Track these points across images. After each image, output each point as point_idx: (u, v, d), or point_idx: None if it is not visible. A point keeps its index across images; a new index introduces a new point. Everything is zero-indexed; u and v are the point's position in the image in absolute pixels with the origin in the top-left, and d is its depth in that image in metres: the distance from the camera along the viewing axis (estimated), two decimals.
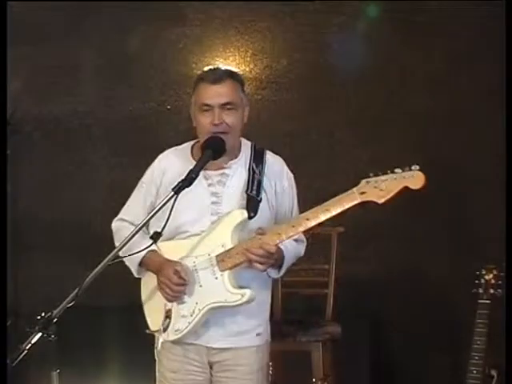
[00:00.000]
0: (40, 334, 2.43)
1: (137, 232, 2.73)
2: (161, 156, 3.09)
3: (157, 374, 3.08)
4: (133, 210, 3.06)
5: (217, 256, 2.88)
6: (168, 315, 2.91)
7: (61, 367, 2.54)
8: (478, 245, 4.59)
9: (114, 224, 3.12)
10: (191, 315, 2.89)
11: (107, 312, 4.68)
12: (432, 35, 4.85)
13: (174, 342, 2.94)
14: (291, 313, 4.32)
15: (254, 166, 2.98)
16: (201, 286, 2.89)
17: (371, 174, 2.77)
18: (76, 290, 2.50)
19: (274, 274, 2.99)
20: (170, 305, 2.91)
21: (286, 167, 3.09)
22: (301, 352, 4.02)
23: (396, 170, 2.75)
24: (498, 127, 3.95)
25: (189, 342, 2.94)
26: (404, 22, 4.87)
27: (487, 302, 3.59)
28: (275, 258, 2.90)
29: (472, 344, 3.55)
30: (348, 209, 2.78)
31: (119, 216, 3.11)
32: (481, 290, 3.62)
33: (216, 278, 2.88)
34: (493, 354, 3.50)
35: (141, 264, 2.99)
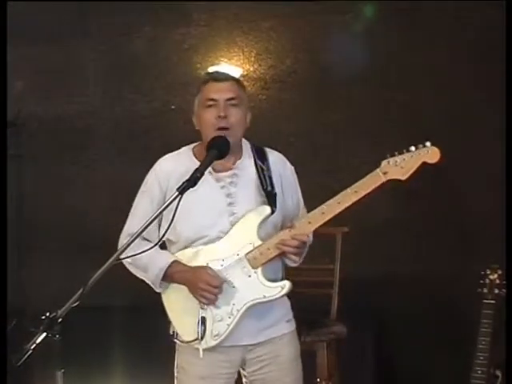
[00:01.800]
0: (45, 334, 2.43)
1: (141, 232, 2.68)
2: (160, 161, 3.06)
3: (176, 383, 3.04)
4: (140, 221, 2.89)
5: (246, 254, 2.89)
6: (203, 322, 2.87)
7: (66, 367, 2.54)
8: (483, 245, 4.58)
9: (124, 240, 2.97)
10: (229, 317, 2.88)
11: (112, 312, 4.68)
12: (433, 35, 4.84)
13: (211, 348, 2.90)
14: (296, 312, 4.31)
15: (261, 164, 3.01)
16: (234, 286, 2.89)
17: (388, 155, 2.89)
18: (81, 290, 2.49)
19: (292, 262, 3.01)
20: (203, 312, 2.88)
21: (286, 160, 3.13)
22: (305, 352, 4.00)
23: (411, 149, 2.88)
24: (499, 127, 3.95)
25: (223, 346, 2.91)
26: (405, 22, 4.87)
27: (492, 301, 3.60)
28: (307, 247, 2.97)
29: (477, 344, 3.55)
30: (375, 189, 2.86)
31: (127, 231, 3.01)
32: (485, 290, 3.62)
33: (249, 276, 2.89)
34: (498, 354, 3.50)
35: (164, 278, 2.95)
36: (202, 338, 2.88)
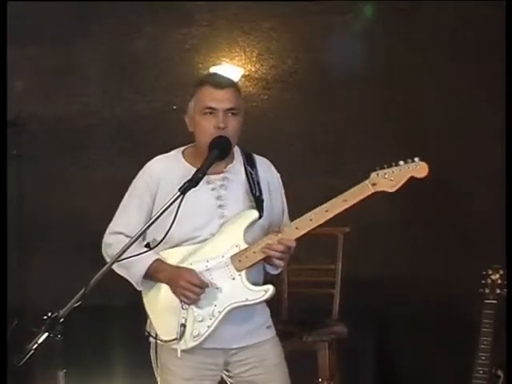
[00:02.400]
0: (46, 334, 2.43)
1: (141, 235, 2.70)
2: (150, 163, 3.04)
3: (160, 381, 3.02)
4: (127, 221, 2.96)
5: (232, 257, 2.89)
6: (183, 323, 2.86)
7: (67, 367, 2.54)
8: (484, 245, 4.58)
9: (109, 238, 3.00)
10: (210, 319, 2.87)
11: (114, 311, 4.68)
12: (432, 35, 4.84)
13: (190, 349, 2.89)
14: (297, 313, 4.32)
15: (250, 168, 3.02)
16: (217, 288, 2.88)
17: (377, 168, 2.91)
18: (82, 290, 2.50)
19: (274, 270, 3.01)
20: (184, 312, 2.87)
21: (272, 167, 3.14)
22: (307, 352, 4.02)
23: (400, 163, 2.91)
24: (499, 127, 3.94)
25: (205, 347, 2.90)
26: (405, 22, 4.87)
27: (493, 302, 3.59)
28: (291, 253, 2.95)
29: (478, 344, 3.55)
30: (362, 200, 2.87)
31: (113, 229, 3.00)
32: (487, 290, 3.62)
33: (233, 279, 2.88)
34: (499, 354, 3.49)
35: (146, 276, 2.93)
36: (180, 338, 2.87)
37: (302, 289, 4.32)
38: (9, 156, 4.19)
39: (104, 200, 5.01)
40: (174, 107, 5.05)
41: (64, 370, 2.53)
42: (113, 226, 3.03)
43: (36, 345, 2.42)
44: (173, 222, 2.71)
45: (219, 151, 2.86)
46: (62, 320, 2.45)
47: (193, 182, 2.72)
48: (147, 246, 2.92)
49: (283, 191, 3.14)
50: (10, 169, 4.67)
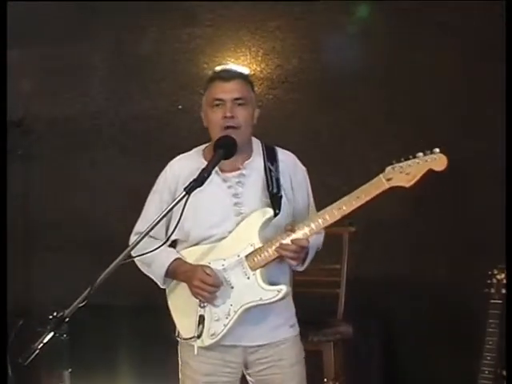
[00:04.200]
0: (52, 334, 2.44)
1: (149, 231, 2.71)
2: (172, 162, 3.08)
3: (181, 377, 3.06)
4: (149, 222, 2.94)
5: (246, 256, 2.89)
6: (201, 321, 2.88)
7: (73, 367, 2.55)
8: (490, 245, 4.57)
9: (133, 238, 3.04)
10: (226, 318, 2.88)
11: (119, 311, 4.68)
12: (437, 34, 4.84)
13: (209, 346, 2.92)
14: (302, 313, 4.30)
15: (270, 165, 3.00)
16: (232, 287, 2.89)
17: (394, 161, 2.83)
18: (88, 290, 2.50)
19: (299, 267, 3.00)
20: (202, 311, 2.89)
21: (298, 161, 3.12)
22: (312, 352, 4.00)
23: (418, 155, 2.81)
24: (499, 127, 3.94)
25: (225, 345, 2.93)
26: (409, 21, 4.87)
27: (499, 301, 3.59)
28: (306, 252, 2.93)
29: (484, 344, 3.55)
30: (377, 196, 2.82)
31: (136, 229, 3.06)
32: (493, 290, 3.62)
33: (248, 278, 2.89)
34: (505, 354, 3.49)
35: (167, 274, 2.97)
36: (199, 337, 2.89)
37: (307, 288, 4.31)
38: (14, 156, 4.21)
39: (110, 200, 5.03)
40: (180, 107, 5.06)
41: (69, 370, 2.54)
42: (136, 227, 3.08)
43: (41, 344, 2.42)
44: (178, 222, 2.73)
45: (224, 150, 2.87)
46: (67, 319, 2.46)
47: (198, 182, 2.74)
48: (173, 246, 2.96)
49: (309, 186, 3.11)
50: (16, 168, 4.70)
